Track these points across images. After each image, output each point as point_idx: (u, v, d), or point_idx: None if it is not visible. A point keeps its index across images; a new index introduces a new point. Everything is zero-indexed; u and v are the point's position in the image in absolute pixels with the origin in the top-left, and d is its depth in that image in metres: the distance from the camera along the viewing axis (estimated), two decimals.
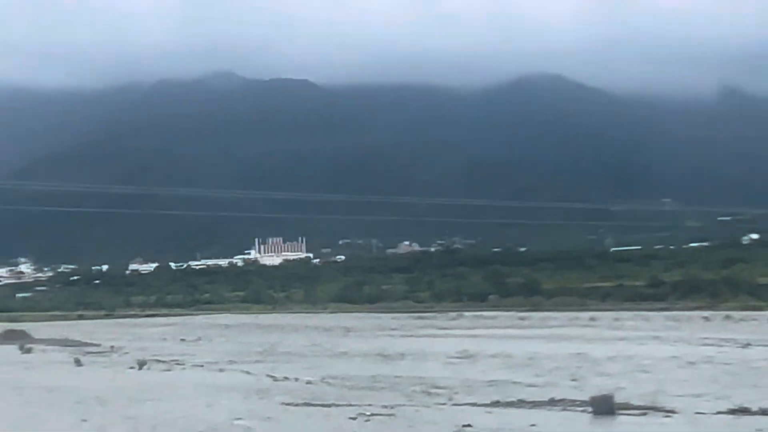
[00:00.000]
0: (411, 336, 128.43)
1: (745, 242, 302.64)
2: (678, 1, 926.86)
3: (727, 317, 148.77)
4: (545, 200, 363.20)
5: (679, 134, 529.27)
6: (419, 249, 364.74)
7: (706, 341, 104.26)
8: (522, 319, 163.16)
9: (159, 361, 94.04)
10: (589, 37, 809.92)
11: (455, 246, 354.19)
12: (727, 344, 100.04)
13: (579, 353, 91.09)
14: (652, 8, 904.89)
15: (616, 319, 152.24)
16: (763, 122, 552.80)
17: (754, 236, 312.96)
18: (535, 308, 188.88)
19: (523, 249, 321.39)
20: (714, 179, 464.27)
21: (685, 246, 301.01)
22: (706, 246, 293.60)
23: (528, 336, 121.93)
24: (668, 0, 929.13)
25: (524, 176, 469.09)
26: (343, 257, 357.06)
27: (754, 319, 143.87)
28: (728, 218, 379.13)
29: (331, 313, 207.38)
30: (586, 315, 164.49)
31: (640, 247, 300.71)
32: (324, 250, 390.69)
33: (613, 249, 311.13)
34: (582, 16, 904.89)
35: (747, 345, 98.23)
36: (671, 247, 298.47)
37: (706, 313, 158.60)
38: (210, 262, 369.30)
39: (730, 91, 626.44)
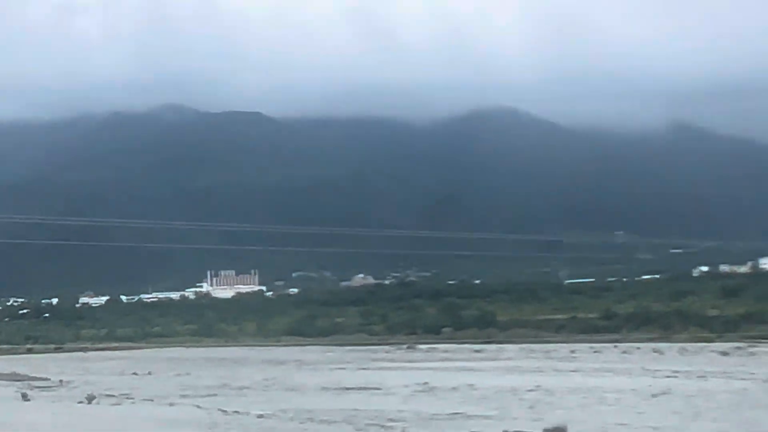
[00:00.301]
0: (365, 369, 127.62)
1: (695, 274, 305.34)
2: (631, 38, 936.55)
3: (682, 349, 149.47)
4: (499, 233, 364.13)
5: (632, 168, 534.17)
6: (373, 281, 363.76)
7: (663, 373, 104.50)
8: (477, 351, 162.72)
9: (109, 395, 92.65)
10: (543, 70, 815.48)
11: (409, 278, 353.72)
12: (684, 376, 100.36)
13: (537, 385, 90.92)
14: (605, 43, 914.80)
15: (572, 351, 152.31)
16: (713, 156, 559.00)
17: (705, 268, 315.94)
18: (490, 340, 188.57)
19: (477, 281, 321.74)
20: (666, 212, 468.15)
21: (637, 278, 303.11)
22: (658, 278, 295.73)
23: (483, 368, 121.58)
24: (621, 36, 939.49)
25: (478, 208, 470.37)
26: (296, 290, 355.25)
27: (710, 351, 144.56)
28: (680, 251, 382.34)
29: (284, 346, 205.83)
30: (540, 347, 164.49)
31: (593, 280, 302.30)
32: (277, 283, 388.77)
33: (567, 281, 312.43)
34: (536, 49, 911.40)
35: (703, 377, 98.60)
36: (624, 279, 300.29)
37: (657, 345, 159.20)
38: (161, 295, 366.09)
39: (681, 125, 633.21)
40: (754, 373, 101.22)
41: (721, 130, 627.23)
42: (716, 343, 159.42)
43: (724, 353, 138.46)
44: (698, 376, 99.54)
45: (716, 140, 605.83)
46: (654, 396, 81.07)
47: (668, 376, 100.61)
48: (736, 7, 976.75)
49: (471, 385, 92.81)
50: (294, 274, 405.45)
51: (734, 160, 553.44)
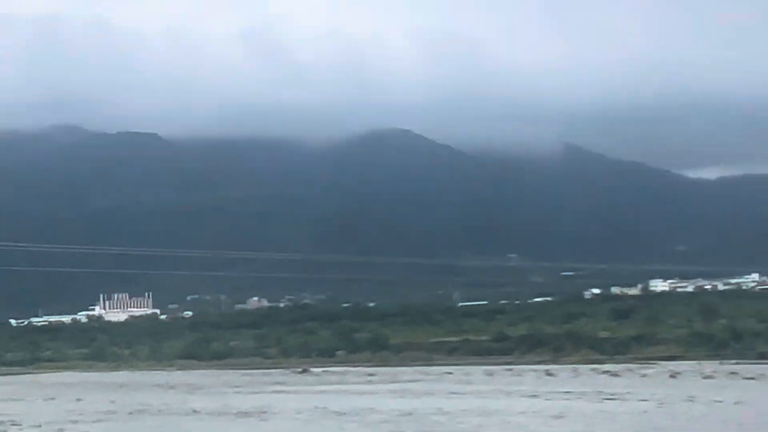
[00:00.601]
0: (259, 393, 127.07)
1: (587, 297, 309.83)
2: (524, 63, 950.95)
3: (574, 371, 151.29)
4: (394, 256, 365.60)
5: (525, 191, 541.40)
6: (268, 304, 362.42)
7: (559, 395, 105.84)
8: (370, 374, 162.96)
9: None
10: (440, 93, 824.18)
11: (304, 301, 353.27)
12: (580, 398, 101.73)
13: (438, 408, 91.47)
14: (499, 68, 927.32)
15: (466, 374, 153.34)
16: (605, 180, 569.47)
17: (596, 291, 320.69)
18: (383, 363, 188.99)
19: (371, 304, 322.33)
20: (558, 235, 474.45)
21: (530, 301, 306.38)
22: (550, 301, 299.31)
23: (379, 391, 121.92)
24: (515, 61, 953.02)
25: (374, 231, 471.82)
26: (190, 313, 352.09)
27: (602, 373, 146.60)
28: (571, 273, 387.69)
29: (178, 370, 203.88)
30: (434, 370, 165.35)
31: (486, 302, 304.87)
32: (171, 306, 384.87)
33: (461, 304, 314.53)
34: (432, 73, 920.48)
35: (600, 398, 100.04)
36: (517, 301, 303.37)
37: (549, 367, 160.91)
38: (52, 318, 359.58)
39: (573, 149, 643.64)
40: (654, 394, 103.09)
41: (613, 155, 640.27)
42: (607, 365, 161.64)
43: (616, 375, 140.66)
44: (595, 398, 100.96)
45: (608, 164, 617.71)
46: (556, 417, 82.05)
47: (565, 398, 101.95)
48: (627, 34, 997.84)
49: (371, 409, 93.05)
50: (189, 297, 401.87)
51: (625, 184, 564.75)
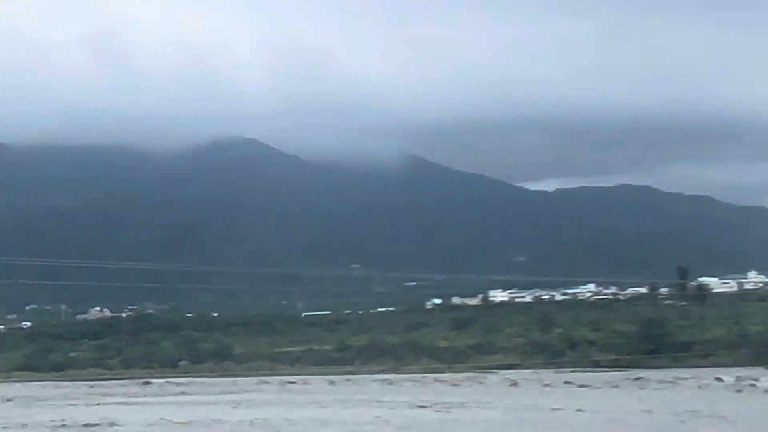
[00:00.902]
0: (100, 405, 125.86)
1: (428, 307, 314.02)
2: (371, 74, 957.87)
3: (415, 380, 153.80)
4: (239, 266, 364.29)
5: (369, 202, 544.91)
6: (110, 315, 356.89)
7: (404, 404, 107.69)
8: (214, 385, 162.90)
9: None
10: (287, 103, 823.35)
11: (147, 311, 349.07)
12: (425, 407, 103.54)
13: (286, 419, 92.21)
14: (347, 78, 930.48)
15: (306, 383, 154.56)
16: (447, 191, 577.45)
17: (437, 301, 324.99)
18: (227, 373, 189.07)
19: (215, 314, 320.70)
20: (401, 245, 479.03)
21: (372, 311, 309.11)
22: (392, 311, 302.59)
23: (222, 402, 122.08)
24: (362, 72, 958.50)
25: (219, 241, 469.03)
26: (29, 323, 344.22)
27: (442, 381, 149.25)
28: (414, 284, 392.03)
29: (16, 382, 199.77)
30: (277, 379, 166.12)
31: (329, 312, 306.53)
32: (9, 317, 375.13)
33: (304, 314, 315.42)
34: (280, 81, 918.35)
35: (447, 408, 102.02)
36: (360, 311, 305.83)
37: (390, 376, 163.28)
38: None
39: (416, 160, 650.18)
40: (492, 403, 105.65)
41: (455, 167, 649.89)
42: (447, 374, 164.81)
43: (456, 384, 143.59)
44: (440, 407, 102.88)
45: (450, 176, 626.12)
46: (401, 429, 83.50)
47: (409, 408, 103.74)
48: (469, 47, 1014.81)
49: (217, 420, 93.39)
50: (27, 308, 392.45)
51: (467, 196, 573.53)
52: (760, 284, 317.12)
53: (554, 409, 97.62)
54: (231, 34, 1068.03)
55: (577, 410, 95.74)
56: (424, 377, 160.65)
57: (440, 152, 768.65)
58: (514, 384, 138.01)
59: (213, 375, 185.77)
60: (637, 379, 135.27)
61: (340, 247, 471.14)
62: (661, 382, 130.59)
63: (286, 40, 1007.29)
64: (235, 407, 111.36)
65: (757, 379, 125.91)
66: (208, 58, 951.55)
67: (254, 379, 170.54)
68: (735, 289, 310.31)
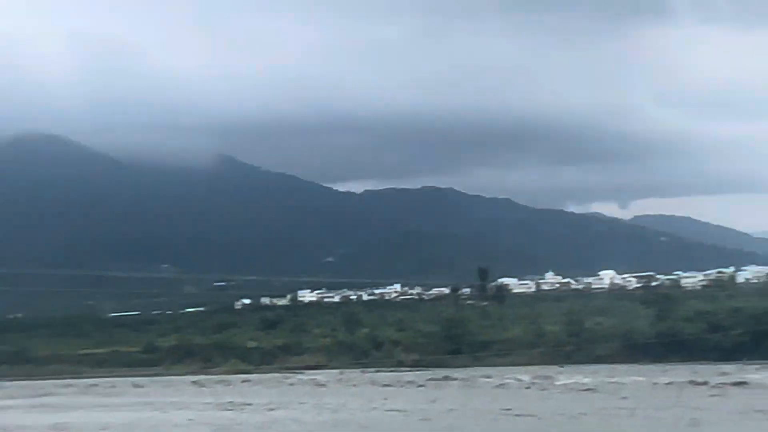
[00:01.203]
0: None
1: (238, 307, 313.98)
2: (182, 70, 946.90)
3: (223, 381, 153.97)
4: (41, 266, 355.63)
5: (179, 202, 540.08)
6: None
7: (219, 406, 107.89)
8: (11, 388, 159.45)
9: None
10: (96, 99, 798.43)
11: None
12: (243, 408, 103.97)
13: (86, 422, 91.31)
14: (158, 75, 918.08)
15: (113, 386, 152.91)
16: (257, 192, 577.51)
17: (246, 301, 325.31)
18: (27, 377, 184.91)
19: (15, 316, 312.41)
20: (211, 246, 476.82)
21: (181, 311, 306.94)
22: (202, 311, 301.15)
23: (19, 406, 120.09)
24: (173, 68, 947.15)
25: (19, 241, 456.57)
26: None
27: (250, 383, 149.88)
28: (224, 284, 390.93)
29: None
30: (81, 382, 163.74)
31: (137, 313, 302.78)
32: None
33: (111, 315, 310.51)
34: (89, 77, 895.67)
35: (271, 408, 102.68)
36: (168, 312, 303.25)
37: (198, 378, 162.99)
38: None
39: (226, 160, 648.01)
40: (304, 404, 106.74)
41: (265, 166, 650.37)
42: (254, 375, 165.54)
43: (264, 384, 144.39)
44: (252, 409, 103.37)
45: (260, 176, 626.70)
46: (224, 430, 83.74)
47: (227, 409, 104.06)
48: (279, 46, 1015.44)
49: (18, 426, 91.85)
50: None
51: (277, 196, 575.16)
52: (557, 285, 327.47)
53: (371, 409, 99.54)
54: (38, 26, 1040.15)
55: (388, 410, 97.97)
56: (232, 378, 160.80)
57: (251, 152, 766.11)
58: (322, 385, 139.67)
59: (11, 378, 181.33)
60: (442, 378, 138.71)
61: (149, 247, 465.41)
62: (464, 380, 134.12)
63: (97, 35, 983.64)
64: (37, 412, 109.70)
65: (552, 377, 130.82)
66: (13, 50, 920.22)
67: (58, 383, 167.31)
68: (533, 289, 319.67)
